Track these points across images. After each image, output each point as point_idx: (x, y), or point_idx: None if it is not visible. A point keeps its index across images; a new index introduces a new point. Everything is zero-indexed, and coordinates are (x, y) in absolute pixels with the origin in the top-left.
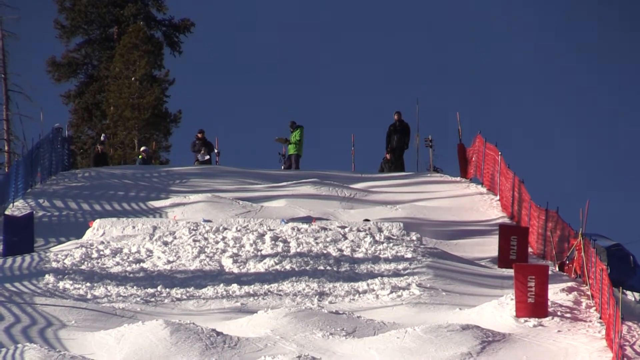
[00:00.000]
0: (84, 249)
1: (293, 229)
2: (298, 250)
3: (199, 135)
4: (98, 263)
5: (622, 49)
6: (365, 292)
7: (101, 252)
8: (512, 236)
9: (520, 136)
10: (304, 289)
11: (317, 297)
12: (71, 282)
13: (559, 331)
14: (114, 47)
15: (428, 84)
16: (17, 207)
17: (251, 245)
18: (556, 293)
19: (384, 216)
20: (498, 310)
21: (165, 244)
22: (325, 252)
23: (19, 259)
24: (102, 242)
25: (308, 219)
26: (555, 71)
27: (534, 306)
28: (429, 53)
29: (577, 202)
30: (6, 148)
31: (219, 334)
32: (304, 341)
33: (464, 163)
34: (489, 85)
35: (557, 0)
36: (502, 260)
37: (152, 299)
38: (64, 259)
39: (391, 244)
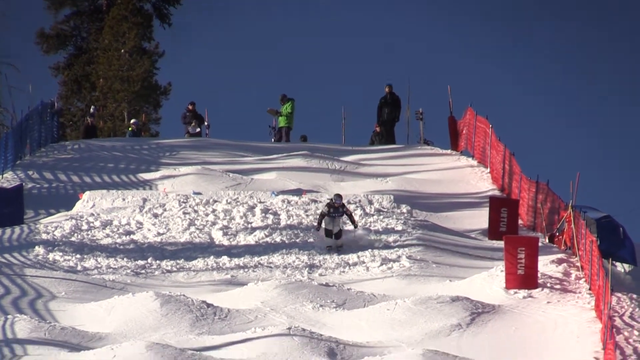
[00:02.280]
0: (73, 220)
1: (283, 201)
2: (288, 222)
3: (190, 107)
4: (88, 235)
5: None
6: (355, 264)
7: (91, 224)
8: (502, 208)
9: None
10: (294, 261)
11: (307, 269)
12: (61, 253)
13: (548, 302)
14: (103, 19)
15: (419, 57)
16: (7, 179)
17: (241, 217)
18: (546, 265)
19: (374, 189)
20: (488, 282)
21: (155, 216)
22: (315, 224)
23: (8, 230)
24: (92, 214)
25: (298, 192)
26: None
27: (524, 278)
28: (422, 27)
29: (568, 175)
30: None
31: (209, 305)
32: (294, 313)
33: (454, 136)
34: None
35: None
36: (492, 232)
37: (142, 271)
38: (53, 231)
39: (381, 216)
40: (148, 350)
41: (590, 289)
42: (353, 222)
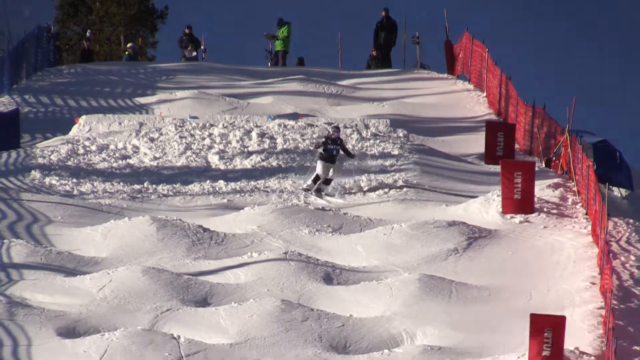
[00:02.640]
0: (70, 145)
1: (280, 125)
2: (285, 146)
3: (187, 31)
4: (84, 159)
5: None
6: (351, 188)
7: (87, 148)
8: (498, 133)
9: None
10: (290, 186)
11: (303, 193)
12: (57, 178)
13: (545, 227)
14: None
15: None
16: (3, 103)
17: (238, 141)
18: (542, 189)
19: (370, 113)
20: (484, 207)
21: (152, 140)
22: (311, 148)
23: (4, 154)
24: (89, 138)
25: (295, 116)
26: None
27: (520, 202)
28: None
29: (564, 100)
30: None
31: (205, 230)
32: (290, 237)
33: (451, 60)
34: None
35: None
36: (489, 156)
37: (139, 195)
38: (50, 155)
39: (378, 141)
40: (144, 274)
41: (586, 214)
42: (350, 155)
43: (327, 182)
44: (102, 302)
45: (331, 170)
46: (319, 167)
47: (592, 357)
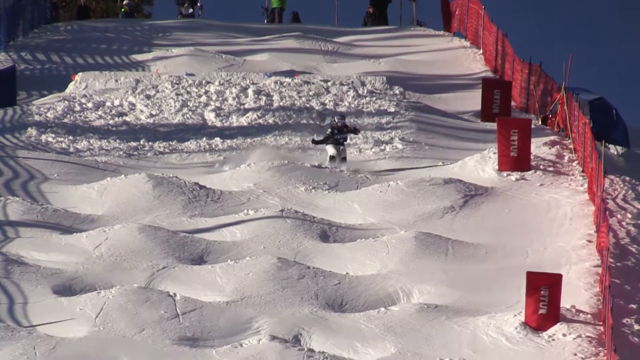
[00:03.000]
0: (66, 102)
1: (276, 82)
2: (281, 104)
3: None
4: (81, 116)
5: None
6: (348, 146)
7: (84, 106)
8: (495, 90)
9: None
10: (287, 143)
11: (300, 150)
12: (54, 135)
13: (541, 185)
14: None
15: None
16: None
17: (234, 98)
18: (539, 147)
19: (366, 70)
20: (481, 164)
21: (148, 97)
22: (308, 105)
23: (1, 112)
24: (85, 96)
25: (291, 73)
26: None
27: (517, 160)
28: None
29: (560, 57)
30: None
31: (201, 187)
32: (286, 195)
33: (447, 17)
34: None
35: None
36: (485, 114)
37: (135, 153)
38: (46, 112)
39: (374, 98)
40: (140, 232)
41: (583, 171)
42: (357, 132)
43: (344, 160)
44: (98, 260)
45: (342, 149)
46: (330, 150)
47: (589, 315)
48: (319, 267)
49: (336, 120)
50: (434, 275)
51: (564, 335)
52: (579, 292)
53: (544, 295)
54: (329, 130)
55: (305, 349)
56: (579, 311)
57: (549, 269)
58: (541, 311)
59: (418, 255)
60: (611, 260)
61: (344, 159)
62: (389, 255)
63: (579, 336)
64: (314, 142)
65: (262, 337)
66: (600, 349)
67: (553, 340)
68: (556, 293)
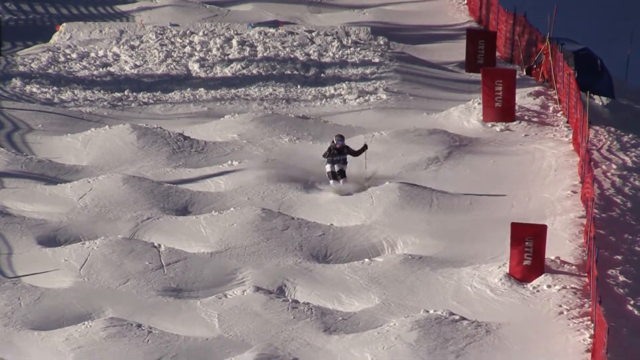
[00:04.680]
0: (51, 52)
1: (260, 33)
2: (265, 54)
3: None
4: (65, 67)
5: None
6: (332, 96)
7: (68, 56)
8: (479, 40)
9: None
10: (271, 94)
11: (284, 101)
12: (38, 86)
13: (526, 135)
14: None
15: None
16: None
17: (218, 49)
18: (523, 97)
19: (351, 20)
20: (465, 115)
21: (132, 48)
22: (292, 56)
23: None
24: (69, 46)
25: (275, 23)
26: None
27: (501, 110)
28: None
29: (545, 8)
30: None
31: (186, 138)
32: (270, 145)
33: None
34: None
35: None
36: (470, 64)
37: (119, 103)
38: (30, 63)
39: (358, 49)
40: (124, 183)
41: (568, 122)
42: (357, 154)
43: (342, 173)
44: (83, 211)
45: (341, 166)
46: (328, 167)
47: (574, 267)
48: (303, 218)
49: (335, 142)
50: (418, 227)
51: (549, 286)
52: (564, 243)
53: (528, 247)
54: (327, 151)
55: (290, 300)
56: (564, 262)
57: (534, 220)
58: (526, 262)
59: (402, 207)
60: (596, 211)
61: (341, 172)
62: (373, 207)
63: (564, 287)
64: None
65: (247, 288)
66: (585, 300)
67: (538, 291)
68: (541, 244)
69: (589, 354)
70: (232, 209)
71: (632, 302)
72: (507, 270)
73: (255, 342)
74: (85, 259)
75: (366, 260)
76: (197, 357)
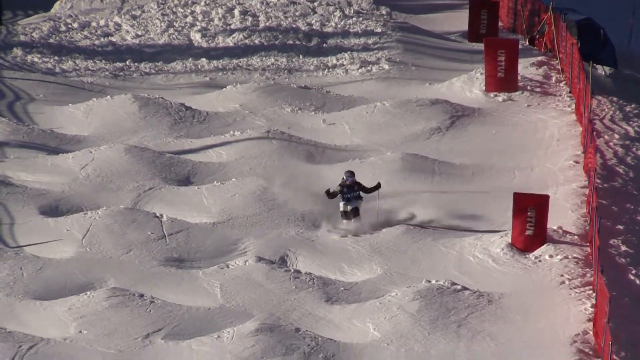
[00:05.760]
0: (52, 22)
1: (262, 2)
2: (267, 24)
3: None
4: (66, 37)
5: None
6: (334, 67)
7: (69, 26)
8: (482, 10)
9: None
10: (273, 64)
11: (286, 71)
12: (39, 55)
13: (528, 105)
14: None
15: None
16: None
17: (220, 19)
18: (526, 67)
19: None
20: (467, 85)
21: (134, 17)
22: (294, 26)
23: None
24: (70, 16)
25: None
26: None
27: (504, 81)
28: None
29: None
30: None
31: (187, 108)
32: (272, 116)
33: None
34: None
35: None
36: (472, 34)
37: (121, 73)
38: (32, 32)
39: (360, 19)
40: (126, 153)
41: (570, 92)
42: (371, 191)
43: (356, 211)
44: (85, 181)
45: (354, 205)
46: (341, 207)
47: (576, 236)
48: (306, 188)
49: (345, 178)
50: (420, 197)
51: (551, 256)
52: (566, 213)
53: (530, 217)
54: (338, 188)
55: (292, 270)
56: (566, 232)
57: (536, 190)
58: (528, 232)
59: (405, 176)
60: (598, 181)
61: (355, 211)
62: (375, 177)
63: (566, 257)
64: (328, 194)
65: (249, 259)
66: (587, 270)
67: (539, 261)
68: (543, 214)
69: (591, 324)
70: (234, 179)
71: (633, 272)
72: (509, 240)
73: (257, 312)
74: (88, 229)
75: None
76: (199, 327)
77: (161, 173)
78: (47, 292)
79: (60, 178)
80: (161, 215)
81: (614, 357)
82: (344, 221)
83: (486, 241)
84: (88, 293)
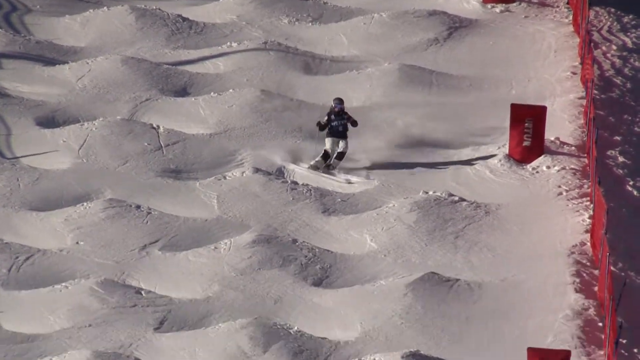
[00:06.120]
0: None
1: None
2: None
3: None
4: None
5: None
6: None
7: None
8: None
9: None
10: None
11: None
12: None
13: (525, 17)
14: None
15: None
16: None
17: None
18: None
19: None
20: None
21: None
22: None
23: None
24: None
25: None
26: None
27: None
28: None
29: None
30: None
31: (184, 19)
32: (269, 27)
33: None
34: None
35: None
36: None
37: None
38: None
39: None
40: (123, 64)
41: (568, 3)
42: (354, 125)
43: (340, 156)
44: (81, 92)
45: (341, 144)
46: (327, 143)
47: (573, 147)
48: (303, 99)
49: (334, 105)
50: (417, 108)
51: (548, 167)
52: (563, 124)
53: (528, 128)
54: (326, 116)
55: (289, 182)
56: (563, 143)
57: (534, 101)
58: (525, 143)
59: (402, 88)
60: (596, 92)
61: (341, 155)
62: (372, 88)
63: (563, 168)
64: (319, 125)
65: (246, 170)
66: (585, 181)
67: (537, 172)
68: (540, 125)
69: (588, 235)
70: (231, 90)
71: (631, 183)
72: (507, 151)
73: (254, 224)
74: (84, 140)
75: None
76: (196, 238)
77: (158, 84)
78: (44, 203)
79: (57, 89)
80: (158, 126)
81: (612, 268)
82: (318, 159)
83: (483, 152)
84: (85, 204)
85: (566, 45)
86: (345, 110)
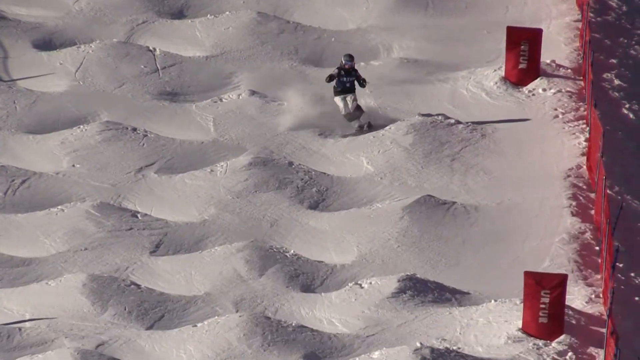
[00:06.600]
0: None
1: None
2: None
3: None
4: None
5: None
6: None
7: None
8: None
9: None
10: None
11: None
12: None
13: None
14: None
15: None
16: None
17: None
18: None
19: None
20: None
21: None
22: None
23: None
24: None
25: None
26: None
27: None
28: None
29: None
30: None
31: None
32: None
33: None
34: None
35: None
36: None
37: None
38: None
39: None
40: None
41: None
42: (362, 84)
43: (360, 108)
44: (78, 14)
45: (349, 98)
46: (339, 105)
47: (569, 70)
48: (299, 21)
49: (344, 62)
50: (413, 30)
51: (544, 90)
52: (559, 46)
53: (524, 50)
54: (335, 70)
55: (285, 104)
56: (559, 66)
57: (529, 23)
58: (521, 66)
59: (398, 10)
60: (591, 14)
61: (358, 109)
62: (368, 10)
63: (559, 91)
64: (329, 77)
65: (242, 92)
66: (581, 103)
67: (533, 94)
68: (536, 48)
69: (584, 158)
70: (227, 12)
71: (627, 106)
72: (503, 73)
73: (251, 146)
74: (81, 62)
75: (362, 63)
76: (192, 161)
77: (154, 6)
78: (40, 126)
79: (54, 12)
80: (154, 48)
81: (608, 191)
82: (352, 122)
83: (480, 75)
84: (81, 127)
85: None
86: (355, 68)
